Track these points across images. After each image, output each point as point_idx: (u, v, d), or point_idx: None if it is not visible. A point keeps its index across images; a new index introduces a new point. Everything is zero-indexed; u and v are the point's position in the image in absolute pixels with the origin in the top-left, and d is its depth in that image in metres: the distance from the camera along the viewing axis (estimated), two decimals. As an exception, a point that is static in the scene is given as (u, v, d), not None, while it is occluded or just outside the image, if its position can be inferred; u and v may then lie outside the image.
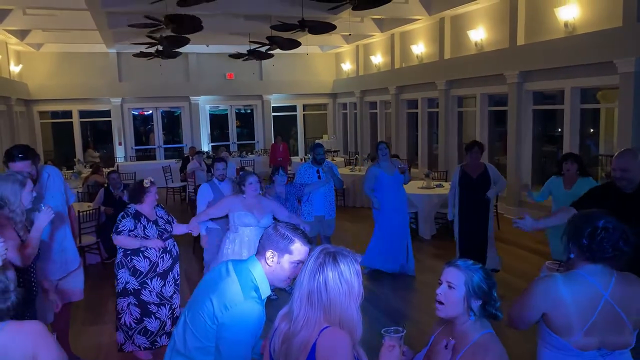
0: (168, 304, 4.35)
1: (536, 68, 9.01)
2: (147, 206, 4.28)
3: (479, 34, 10.58)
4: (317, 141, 17.63)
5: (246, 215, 4.73)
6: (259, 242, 2.17)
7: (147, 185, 4.26)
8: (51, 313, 3.56)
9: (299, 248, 2.09)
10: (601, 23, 7.79)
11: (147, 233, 4.20)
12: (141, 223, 4.21)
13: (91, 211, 7.12)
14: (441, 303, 2.00)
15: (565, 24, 8.39)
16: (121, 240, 4.21)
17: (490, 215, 6.06)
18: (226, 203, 4.86)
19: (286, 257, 2.09)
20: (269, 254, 2.10)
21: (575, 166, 5.38)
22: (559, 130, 9.44)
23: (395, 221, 6.37)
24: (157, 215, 4.37)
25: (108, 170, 10.94)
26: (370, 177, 6.47)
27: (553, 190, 5.62)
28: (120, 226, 4.20)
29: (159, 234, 4.25)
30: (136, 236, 4.17)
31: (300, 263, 2.07)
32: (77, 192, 9.58)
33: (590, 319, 2.12)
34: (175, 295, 4.41)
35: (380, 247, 6.44)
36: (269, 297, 2.19)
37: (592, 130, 9.47)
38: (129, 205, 4.34)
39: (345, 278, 1.76)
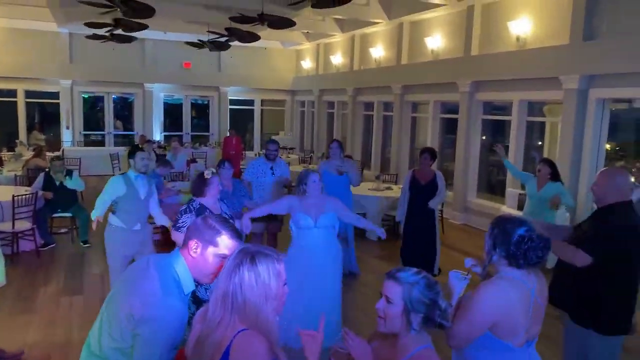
0: None
1: (487, 79, 9.27)
2: (210, 199, 4.05)
3: (435, 42, 10.77)
4: (272, 137, 17.59)
5: (302, 217, 4.35)
6: (185, 232, 2.09)
7: (208, 177, 4.02)
8: None
9: (225, 241, 2.01)
10: (550, 39, 8.09)
11: None
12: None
13: (28, 196, 6.81)
14: (381, 317, 1.94)
15: (517, 38, 8.67)
16: (179, 238, 3.92)
17: (436, 222, 6.18)
18: (286, 201, 4.51)
19: (211, 249, 2.00)
20: (192, 243, 2.01)
21: (547, 169, 5.85)
22: (507, 141, 9.74)
23: None
24: (221, 210, 4.11)
25: (52, 155, 10.54)
26: None
27: (528, 186, 6.06)
28: (180, 222, 3.95)
29: None
30: None
31: (226, 258, 2.00)
32: (15, 175, 9.17)
33: (529, 317, 2.23)
34: None
35: None
36: None
37: (539, 142, 9.82)
38: (193, 199, 4.07)
39: (262, 280, 1.71)
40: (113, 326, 1.96)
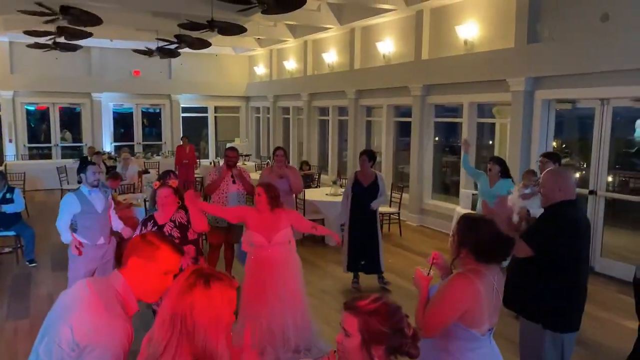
0: None
1: (438, 82, 9.43)
2: (160, 210, 4.11)
3: (387, 46, 10.89)
4: (230, 145, 17.32)
5: (253, 235, 4.24)
6: (124, 252, 2.00)
7: (155, 188, 4.11)
8: None
9: (165, 256, 1.95)
10: (496, 43, 8.31)
11: None
12: (147, 228, 4.06)
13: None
14: (340, 351, 1.80)
15: (465, 42, 8.86)
16: None
17: (377, 222, 6.31)
18: (242, 211, 4.43)
19: (152, 265, 1.94)
20: (132, 262, 1.95)
21: (497, 167, 6.03)
22: (459, 142, 9.94)
23: None
24: (170, 219, 4.11)
25: (-8, 170, 10.02)
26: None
27: (480, 183, 6.22)
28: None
29: None
30: None
31: (169, 273, 1.95)
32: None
33: (491, 307, 2.38)
34: None
35: None
36: None
37: (490, 142, 10.07)
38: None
39: (214, 305, 1.61)
40: (53, 358, 1.82)
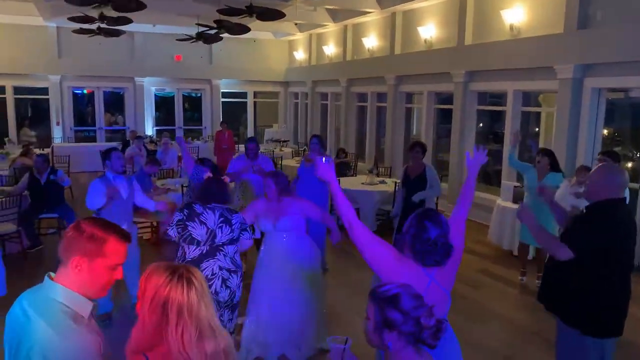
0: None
1: (481, 69, 9.11)
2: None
3: (428, 31, 10.59)
4: (267, 131, 17.40)
5: (262, 221, 4.25)
6: (60, 250, 1.75)
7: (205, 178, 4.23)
8: None
9: (114, 249, 1.74)
10: (544, 28, 7.93)
11: None
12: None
13: (12, 197, 6.65)
14: (365, 334, 1.93)
15: (511, 27, 8.50)
16: None
17: None
18: (252, 207, 4.39)
19: (99, 261, 1.72)
20: (75, 262, 1.70)
21: (546, 159, 5.77)
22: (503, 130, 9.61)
23: None
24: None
25: (40, 152, 10.39)
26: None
27: (528, 176, 5.97)
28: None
29: None
30: None
31: (118, 267, 1.77)
32: (0, 175, 9.01)
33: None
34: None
35: None
36: None
37: (536, 129, 9.69)
38: None
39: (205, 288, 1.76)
40: None
